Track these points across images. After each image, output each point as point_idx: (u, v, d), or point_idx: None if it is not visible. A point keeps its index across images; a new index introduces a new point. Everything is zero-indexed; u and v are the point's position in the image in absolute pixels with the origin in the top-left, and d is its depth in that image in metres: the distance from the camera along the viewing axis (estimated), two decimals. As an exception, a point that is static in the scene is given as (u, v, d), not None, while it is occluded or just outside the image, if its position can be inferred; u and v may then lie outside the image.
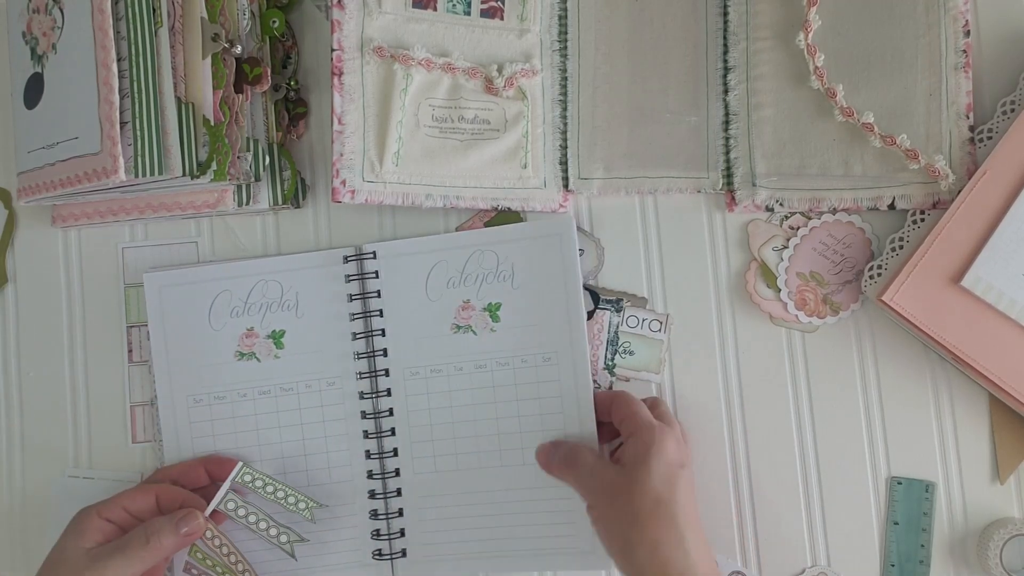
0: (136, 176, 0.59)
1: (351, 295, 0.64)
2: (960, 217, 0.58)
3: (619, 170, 0.65)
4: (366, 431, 0.64)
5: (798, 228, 0.63)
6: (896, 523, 0.61)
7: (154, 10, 0.60)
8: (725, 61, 0.64)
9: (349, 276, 0.65)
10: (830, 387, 0.63)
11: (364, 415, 0.64)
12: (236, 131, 0.62)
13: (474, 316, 0.63)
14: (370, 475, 0.64)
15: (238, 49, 0.62)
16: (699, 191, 0.64)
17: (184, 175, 0.60)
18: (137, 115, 0.60)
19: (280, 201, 0.65)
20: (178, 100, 0.61)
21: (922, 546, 0.61)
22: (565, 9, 0.65)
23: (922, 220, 0.61)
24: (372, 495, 0.64)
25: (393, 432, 0.64)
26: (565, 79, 0.65)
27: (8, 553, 0.67)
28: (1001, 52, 0.63)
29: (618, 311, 0.64)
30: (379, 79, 0.62)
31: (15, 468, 0.67)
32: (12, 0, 0.66)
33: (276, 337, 0.64)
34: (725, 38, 0.64)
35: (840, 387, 0.62)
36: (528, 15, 0.64)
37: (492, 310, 0.63)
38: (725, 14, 0.64)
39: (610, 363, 0.64)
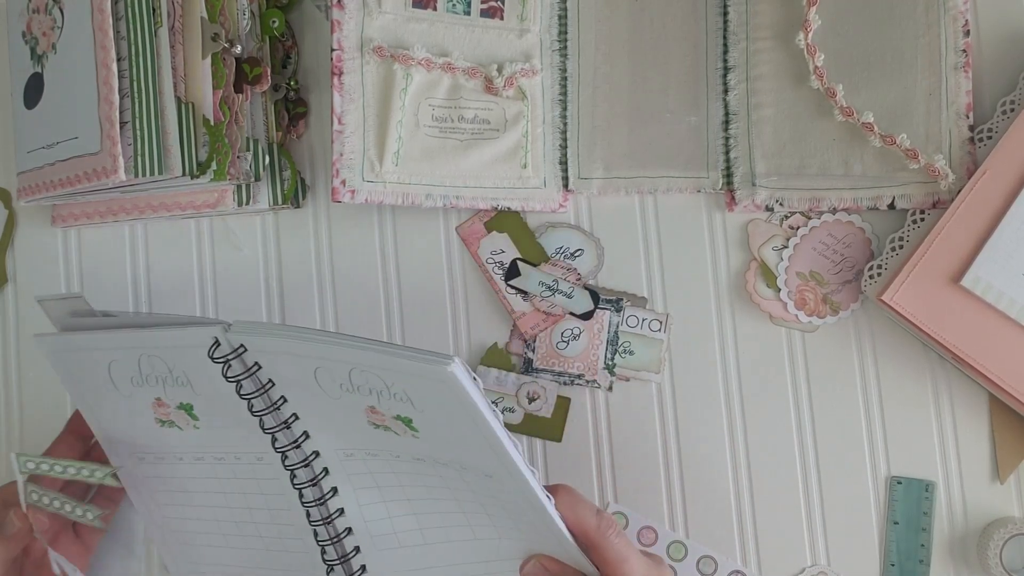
0: (136, 176, 0.59)
1: (231, 377, 0.52)
2: (960, 217, 0.58)
3: (619, 170, 0.65)
4: (311, 518, 0.55)
5: (798, 228, 0.63)
6: (896, 522, 0.61)
7: (154, 10, 0.60)
8: (725, 61, 0.64)
9: (227, 376, 0.52)
10: (830, 387, 0.63)
11: (302, 500, 0.55)
12: (236, 131, 0.62)
13: (388, 420, 0.49)
14: (324, 561, 0.56)
15: (238, 49, 0.62)
16: (699, 191, 0.64)
17: (184, 175, 0.60)
18: (137, 115, 0.60)
19: (280, 201, 0.65)
20: (178, 100, 0.61)
21: (922, 545, 0.61)
22: (565, 9, 0.65)
23: (922, 220, 0.61)
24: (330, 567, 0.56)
25: (342, 512, 0.55)
26: (565, 79, 0.65)
27: (8, 553, 0.67)
28: (1001, 52, 0.63)
29: (618, 311, 0.64)
30: (379, 79, 0.62)
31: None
32: (12, 0, 0.66)
33: (187, 409, 0.55)
34: (725, 38, 0.64)
35: (840, 386, 0.63)
36: (528, 15, 0.64)
37: (406, 422, 0.49)
38: (725, 14, 0.64)
39: (610, 363, 0.64)
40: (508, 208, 0.64)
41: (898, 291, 0.58)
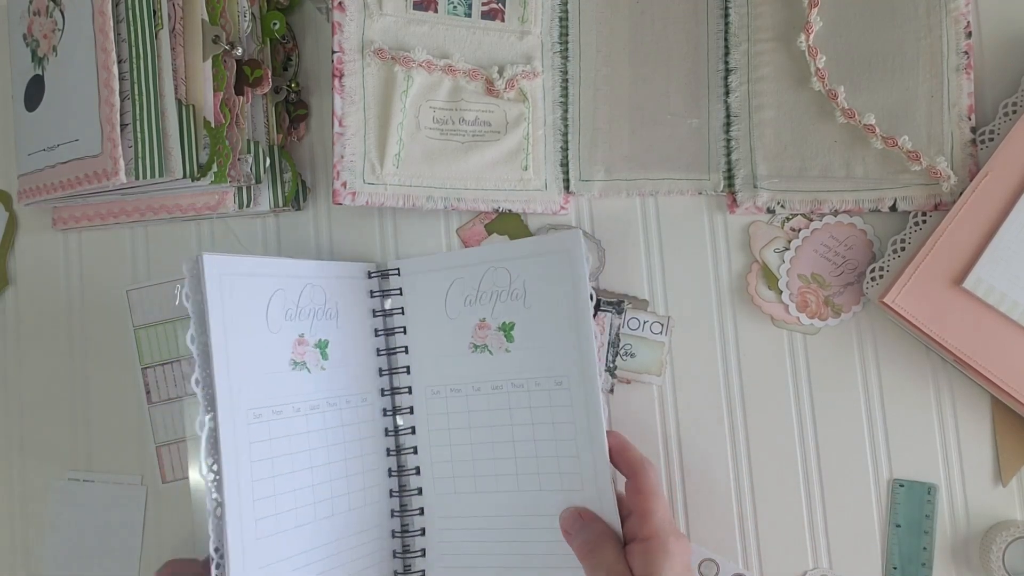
0: (136, 178, 0.59)
1: (374, 311, 0.63)
2: (962, 219, 0.58)
3: (620, 172, 0.65)
4: (388, 449, 0.63)
5: (799, 230, 0.63)
6: (898, 525, 0.61)
7: (155, 12, 0.60)
8: (726, 63, 0.64)
9: (373, 292, 0.63)
10: (832, 389, 0.62)
11: (387, 432, 0.63)
12: (237, 133, 0.62)
13: (490, 335, 0.61)
14: (392, 493, 0.62)
15: (239, 51, 0.62)
16: (700, 193, 0.64)
17: (185, 177, 0.60)
18: (138, 117, 0.60)
19: (281, 203, 0.65)
20: (179, 102, 0.61)
21: (924, 548, 0.61)
22: (566, 11, 0.65)
23: (924, 222, 0.61)
24: (394, 513, 0.62)
25: (415, 451, 0.62)
26: (566, 81, 0.65)
27: (8, 554, 0.67)
28: (1002, 54, 0.63)
29: (619, 313, 0.64)
30: (380, 81, 0.62)
31: (15, 470, 0.67)
32: (13, 2, 0.66)
33: (322, 347, 0.60)
34: (726, 40, 0.64)
35: (842, 389, 0.62)
36: (529, 17, 0.64)
37: (506, 330, 0.60)
38: (726, 16, 0.64)
39: (611, 365, 0.64)
40: (509, 210, 0.64)
41: (900, 293, 0.58)
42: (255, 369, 0.56)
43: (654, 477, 0.56)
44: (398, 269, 0.63)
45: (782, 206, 0.63)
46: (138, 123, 0.60)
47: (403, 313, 0.63)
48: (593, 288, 0.64)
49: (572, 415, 0.58)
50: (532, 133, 0.64)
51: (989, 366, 0.57)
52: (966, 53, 0.61)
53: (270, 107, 0.65)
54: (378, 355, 0.63)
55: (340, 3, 0.62)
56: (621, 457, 0.57)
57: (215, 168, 0.61)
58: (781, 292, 0.63)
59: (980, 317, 0.57)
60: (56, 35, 0.62)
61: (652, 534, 0.53)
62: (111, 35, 0.59)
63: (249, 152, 0.63)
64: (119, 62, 0.60)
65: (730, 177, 0.64)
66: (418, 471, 0.62)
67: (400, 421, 0.63)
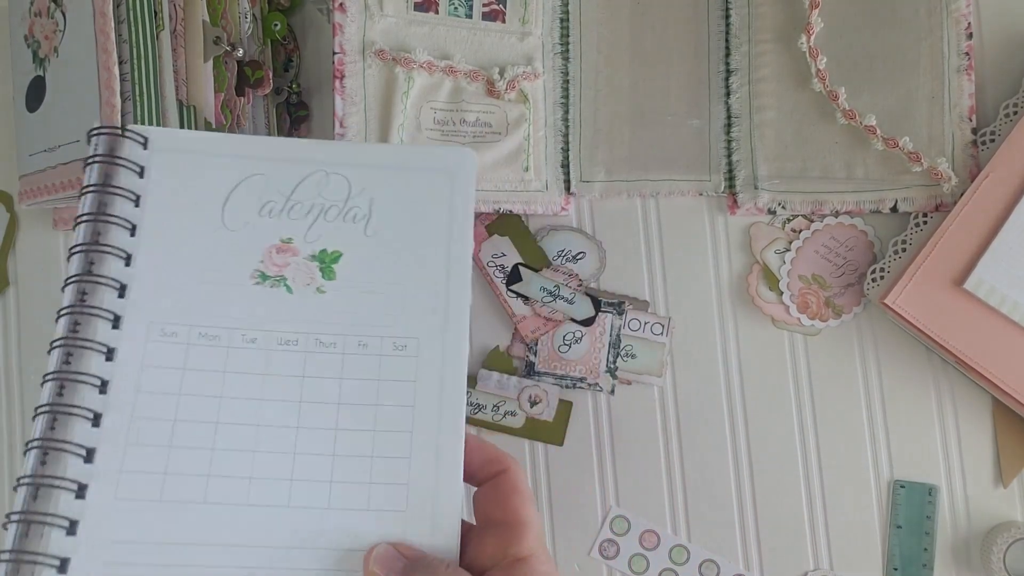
0: (138, 179, 0.59)
1: (84, 188, 0.43)
2: (963, 220, 0.58)
3: (621, 173, 0.65)
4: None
5: (800, 231, 0.63)
6: (899, 526, 0.61)
7: (156, 13, 0.60)
8: (727, 64, 0.64)
9: (89, 159, 0.44)
10: (832, 390, 0.62)
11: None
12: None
13: (295, 265, 0.43)
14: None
15: (240, 52, 0.62)
16: (701, 194, 0.64)
17: (186, 178, 0.60)
18: (139, 118, 0.60)
19: (282, 204, 0.65)
20: (180, 103, 0.61)
21: (925, 550, 0.61)
22: (567, 12, 0.65)
23: (925, 223, 0.61)
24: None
25: (94, 420, 0.40)
26: (567, 82, 0.65)
27: (9, 556, 0.67)
28: (1003, 54, 0.63)
29: (620, 314, 0.64)
30: (381, 82, 0.62)
31: (15, 471, 0.67)
32: (14, 3, 0.66)
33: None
34: (727, 41, 0.64)
35: (842, 390, 0.62)
36: (529, 18, 0.64)
37: (326, 261, 0.43)
38: (727, 17, 0.64)
39: (612, 366, 0.63)
40: (510, 211, 0.64)
41: (901, 294, 0.58)
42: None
43: (524, 476, 0.42)
44: (144, 138, 0.44)
45: (783, 207, 0.63)
46: (139, 124, 0.60)
47: (137, 204, 0.43)
48: (594, 289, 0.64)
49: (413, 396, 0.41)
50: (533, 134, 0.64)
51: (990, 367, 0.57)
52: (967, 54, 0.61)
53: (271, 108, 0.65)
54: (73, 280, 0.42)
55: (341, 4, 0.62)
56: (474, 454, 0.42)
57: (216, 169, 0.61)
58: (782, 293, 0.63)
59: (981, 318, 0.57)
60: (57, 36, 0.62)
61: (530, 552, 0.39)
62: (112, 36, 0.59)
63: (250, 153, 0.63)
64: (120, 63, 0.60)
65: (731, 178, 0.64)
66: (88, 455, 0.40)
67: (91, 366, 0.41)
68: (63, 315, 0.41)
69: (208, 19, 0.61)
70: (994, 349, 0.57)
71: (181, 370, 0.41)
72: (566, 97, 0.65)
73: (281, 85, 0.65)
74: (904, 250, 0.61)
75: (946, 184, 0.60)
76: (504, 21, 0.64)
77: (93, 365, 0.41)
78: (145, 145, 0.44)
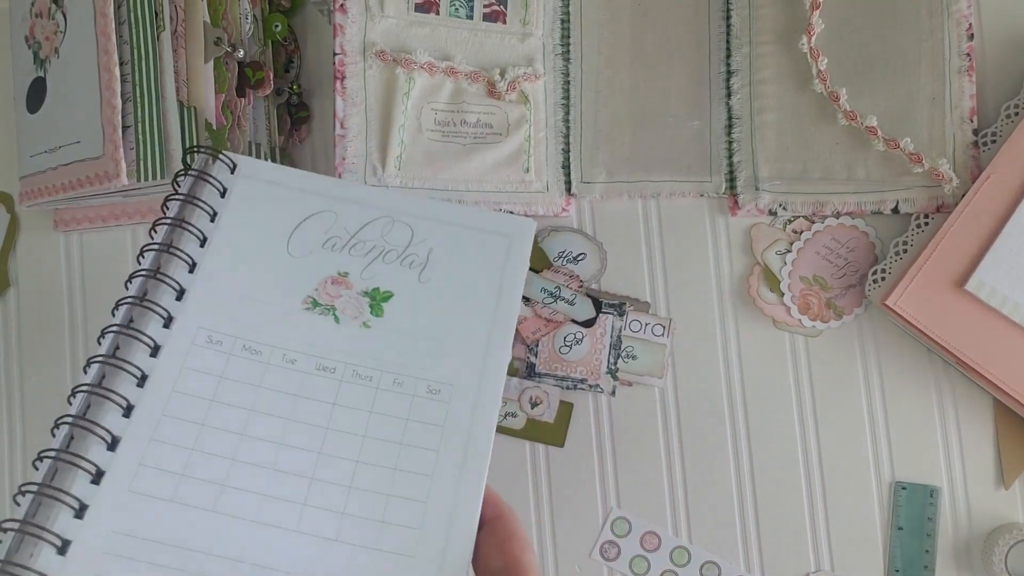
0: (138, 180, 0.59)
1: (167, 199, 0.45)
2: (964, 221, 0.58)
3: (622, 174, 0.65)
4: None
5: (801, 232, 0.63)
6: (900, 528, 0.61)
7: (156, 14, 0.60)
8: (728, 65, 0.64)
9: (182, 171, 0.47)
10: (833, 391, 0.62)
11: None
12: (238, 135, 0.62)
13: (346, 297, 0.45)
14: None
15: (240, 53, 0.62)
16: (702, 195, 0.64)
17: (186, 179, 0.60)
18: (139, 119, 0.60)
19: (282, 205, 0.65)
20: (180, 104, 0.61)
21: (926, 551, 0.60)
22: (567, 13, 0.65)
23: (926, 224, 0.61)
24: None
25: (127, 410, 0.42)
26: (568, 83, 0.65)
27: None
28: (1004, 56, 0.62)
29: (621, 315, 0.64)
30: (381, 83, 0.62)
31: (16, 472, 0.67)
32: (15, 4, 0.66)
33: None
34: (728, 42, 0.64)
35: (844, 391, 0.62)
36: (530, 19, 0.64)
37: (376, 298, 0.45)
38: (728, 18, 0.64)
39: (613, 367, 0.63)
40: (511, 212, 0.64)
41: (902, 296, 0.58)
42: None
43: (519, 520, 0.42)
44: (234, 163, 0.47)
45: (784, 208, 0.63)
46: (140, 125, 0.60)
47: (213, 219, 0.46)
48: (594, 290, 0.64)
49: (438, 441, 0.42)
50: (534, 135, 0.64)
51: (991, 368, 0.57)
52: (968, 55, 0.61)
53: (272, 109, 0.65)
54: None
55: (342, 5, 0.62)
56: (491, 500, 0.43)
57: (217, 170, 0.61)
58: (783, 294, 0.63)
59: (982, 319, 0.57)
60: (58, 37, 0.62)
61: None
62: (113, 37, 0.59)
63: (251, 154, 0.62)
64: (121, 64, 0.59)
65: (732, 179, 0.64)
66: (112, 442, 0.41)
67: (134, 356, 0.42)
68: (123, 304, 0.43)
69: (209, 20, 0.61)
70: (995, 350, 0.57)
71: (219, 377, 0.43)
72: (567, 98, 0.65)
73: (282, 86, 0.65)
74: (905, 251, 0.61)
75: (947, 185, 0.60)
76: (505, 22, 0.64)
77: (137, 357, 0.43)
78: (233, 170, 0.47)
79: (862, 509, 0.61)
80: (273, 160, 0.64)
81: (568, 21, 0.65)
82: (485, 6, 0.64)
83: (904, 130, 0.61)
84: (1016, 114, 0.61)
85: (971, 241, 0.58)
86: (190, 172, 0.48)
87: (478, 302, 0.45)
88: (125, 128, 0.59)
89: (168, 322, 0.44)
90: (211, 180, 0.47)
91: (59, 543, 0.39)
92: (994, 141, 0.61)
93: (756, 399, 0.63)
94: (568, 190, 0.65)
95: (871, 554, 0.61)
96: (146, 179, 0.60)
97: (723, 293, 0.64)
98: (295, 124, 0.66)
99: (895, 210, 0.61)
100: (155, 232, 0.47)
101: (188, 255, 0.46)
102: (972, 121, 0.61)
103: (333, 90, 0.62)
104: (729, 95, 0.64)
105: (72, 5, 0.61)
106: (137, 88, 0.60)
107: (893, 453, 0.62)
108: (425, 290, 0.45)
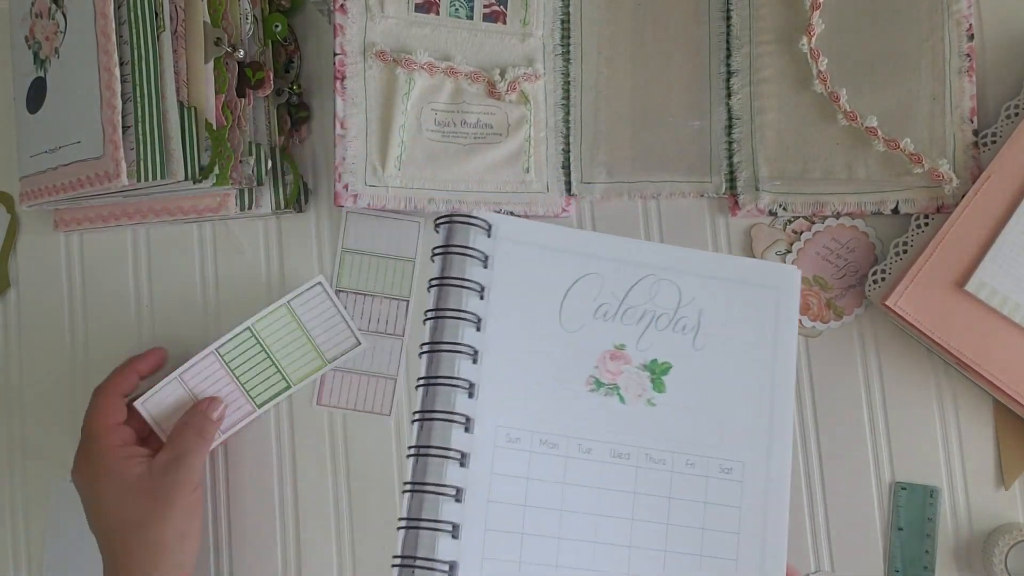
0: (138, 180, 0.59)
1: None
2: (964, 221, 0.58)
3: (622, 174, 0.65)
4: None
5: (801, 232, 0.63)
6: (900, 528, 0.61)
7: (156, 14, 0.60)
8: (728, 65, 0.64)
9: (436, 251, 0.43)
10: (834, 391, 0.62)
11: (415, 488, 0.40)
12: (238, 135, 0.62)
13: (627, 374, 0.42)
14: None
15: (240, 53, 0.62)
16: (702, 195, 0.64)
17: (186, 179, 0.60)
18: (139, 119, 0.60)
19: (282, 205, 0.65)
20: (180, 104, 0.61)
21: (926, 552, 0.60)
22: (568, 13, 0.65)
23: (926, 224, 0.61)
24: None
25: (453, 531, 0.40)
26: (568, 83, 0.65)
27: (9, 556, 0.67)
28: (1005, 56, 0.62)
29: (621, 315, 0.64)
30: (382, 83, 0.62)
31: (16, 472, 0.67)
32: (15, 4, 0.66)
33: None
34: (728, 42, 0.64)
35: (844, 391, 0.62)
36: (530, 19, 0.64)
37: (656, 371, 0.42)
38: (728, 18, 0.64)
39: (613, 368, 0.63)
40: (511, 213, 0.64)
41: (902, 296, 0.58)
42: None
43: None
44: (487, 223, 0.42)
45: (784, 208, 0.63)
46: (140, 125, 0.60)
47: (482, 296, 0.42)
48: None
49: (738, 523, 0.41)
50: (534, 135, 0.64)
51: (991, 369, 0.57)
52: (968, 55, 0.61)
53: (272, 109, 0.65)
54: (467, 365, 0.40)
55: (342, 5, 0.62)
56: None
57: (217, 170, 0.61)
58: (783, 295, 0.63)
59: (982, 320, 0.57)
60: (58, 37, 0.62)
61: None
62: (113, 37, 0.59)
63: (251, 154, 0.62)
64: (121, 64, 0.60)
65: (732, 179, 0.64)
66: (450, 571, 0.39)
67: (445, 474, 0.40)
68: (416, 420, 0.40)
69: (209, 20, 0.61)
70: (995, 351, 0.57)
71: (525, 479, 0.40)
72: (567, 98, 0.65)
73: (282, 86, 0.65)
74: (905, 252, 0.61)
75: (947, 186, 0.60)
76: (505, 22, 0.64)
77: (449, 472, 0.40)
78: (489, 233, 0.43)
79: (862, 509, 0.61)
80: (272, 159, 0.64)
81: (568, 21, 0.65)
82: (485, 6, 0.64)
83: (904, 130, 0.61)
84: (1016, 114, 0.61)
85: (971, 241, 0.58)
86: (446, 250, 0.42)
87: (754, 366, 0.42)
88: (125, 128, 0.59)
89: (468, 425, 0.41)
90: (472, 252, 0.42)
91: None
92: (994, 141, 0.61)
93: (756, 399, 0.63)
94: (568, 190, 0.65)
95: (871, 554, 0.61)
96: (146, 179, 0.60)
97: (723, 293, 0.64)
98: (295, 124, 0.66)
99: (895, 210, 0.61)
100: (427, 325, 0.43)
101: (470, 346, 0.42)
102: (972, 121, 0.61)
103: (333, 90, 0.62)
104: (729, 95, 0.64)
105: (72, 5, 0.61)
106: (137, 88, 0.60)
107: (893, 453, 0.62)
108: (701, 357, 0.42)
